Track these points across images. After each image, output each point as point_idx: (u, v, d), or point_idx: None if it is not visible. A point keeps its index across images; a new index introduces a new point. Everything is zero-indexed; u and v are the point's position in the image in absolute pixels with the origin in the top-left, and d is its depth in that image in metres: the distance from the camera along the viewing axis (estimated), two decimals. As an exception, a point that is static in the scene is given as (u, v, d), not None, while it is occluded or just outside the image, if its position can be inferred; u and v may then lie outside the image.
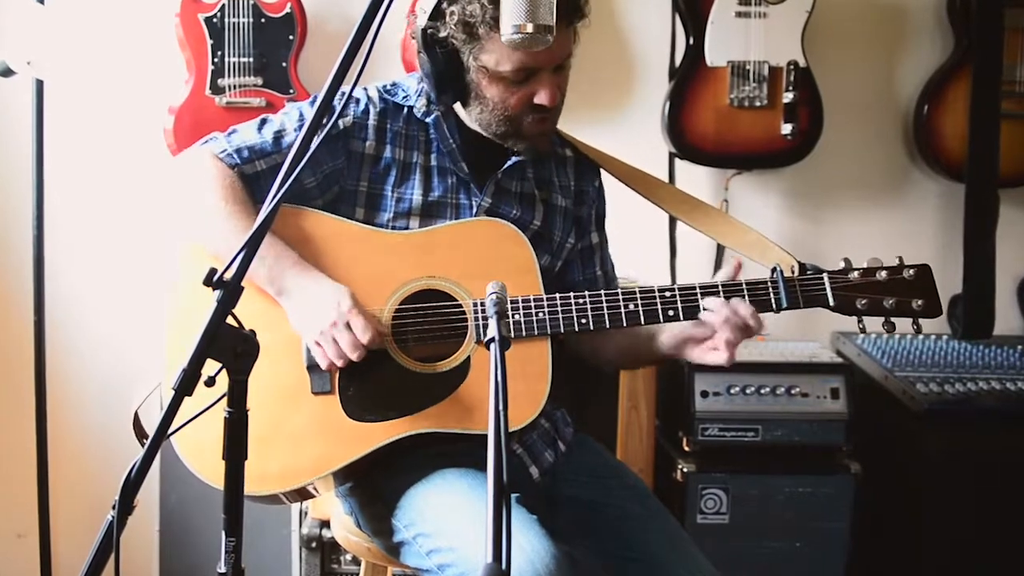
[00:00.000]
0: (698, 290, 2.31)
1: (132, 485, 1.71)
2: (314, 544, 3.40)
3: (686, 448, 3.54)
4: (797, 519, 3.53)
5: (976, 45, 3.79)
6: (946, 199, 4.06)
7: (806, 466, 3.55)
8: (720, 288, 2.30)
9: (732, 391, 3.52)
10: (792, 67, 3.74)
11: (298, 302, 2.25)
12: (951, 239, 3.96)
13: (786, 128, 3.75)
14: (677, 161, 3.97)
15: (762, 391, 3.53)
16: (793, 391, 3.53)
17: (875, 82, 4.08)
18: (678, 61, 3.95)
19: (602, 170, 2.65)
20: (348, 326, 2.21)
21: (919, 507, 3.54)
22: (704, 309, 2.29)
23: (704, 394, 3.51)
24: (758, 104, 3.76)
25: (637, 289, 2.33)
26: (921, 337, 3.91)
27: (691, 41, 3.83)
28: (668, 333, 2.38)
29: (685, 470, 3.52)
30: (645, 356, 2.51)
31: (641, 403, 3.51)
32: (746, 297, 2.30)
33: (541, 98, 2.31)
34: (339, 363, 2.23)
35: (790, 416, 3.52)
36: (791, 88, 3.74)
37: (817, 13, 3.76)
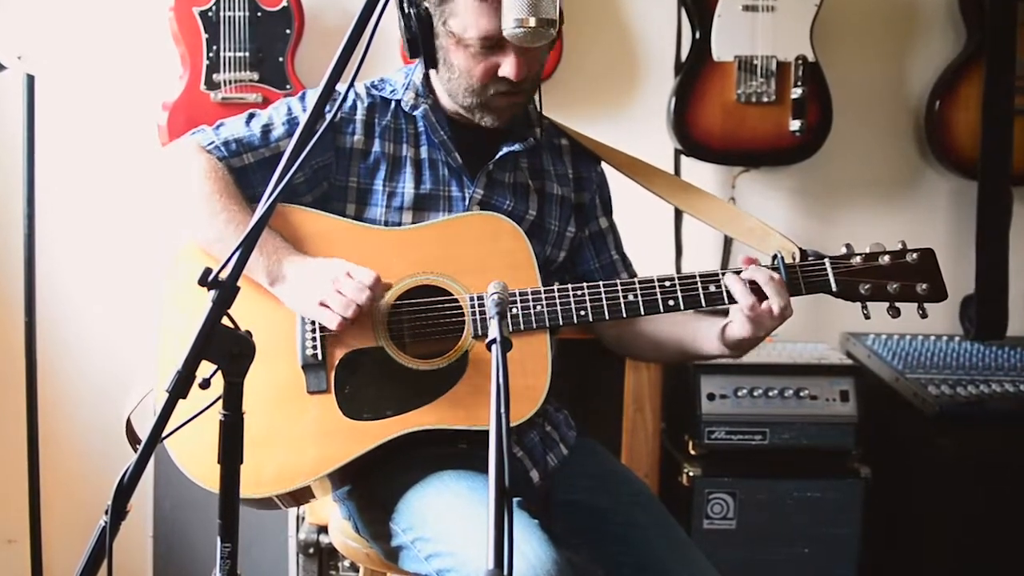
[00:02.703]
0: (698, 279, 2.28)
1: (125, 489, 1.70)
2: (311, 550, 3.39)
3: (692, 452, 3.51)
4: (806, 524, 3.50)
5: (989, 39, 3.76)
6: (958, 197, 4.04)
7: (815, 470, 3.52)
8: (720, 275, 2.28)
9: (739, 393, 3.49)
10: (800, 62, 3.72)
11: (293, 283, 2.24)
12: (963, 238, 3.93)
13: (794, 124, 3.73)
14: (683, 158, 3.95)
15: (770, 393, 3.49)
16: (801, 393, 3.50)
17: (885, 77, 4.07)
18: (684, 56, 3.93)
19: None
20: (349, 275, 2.18)
21: (930, 512, 3.51)
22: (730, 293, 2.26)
23: (710, 396, 3.48)
24: (766, 100, 3.74)
25: (636, 280, 2.30)
26: (932, 338, 3.89)
27: (697, 35, 3.81)
28: (710, 334, 2.35)
29: (691, 474, 3.49)
30: (704, 354, 2.45)
31: (646, 406, 3.47)
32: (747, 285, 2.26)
33: (505, 70, 2.27)
34: (349, 313, 2.16)
35: (798, 419, 3.49)
36: (799, 83, 3.72)
37: (826, 7, 3.73)
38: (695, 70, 3.78)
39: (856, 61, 3.99)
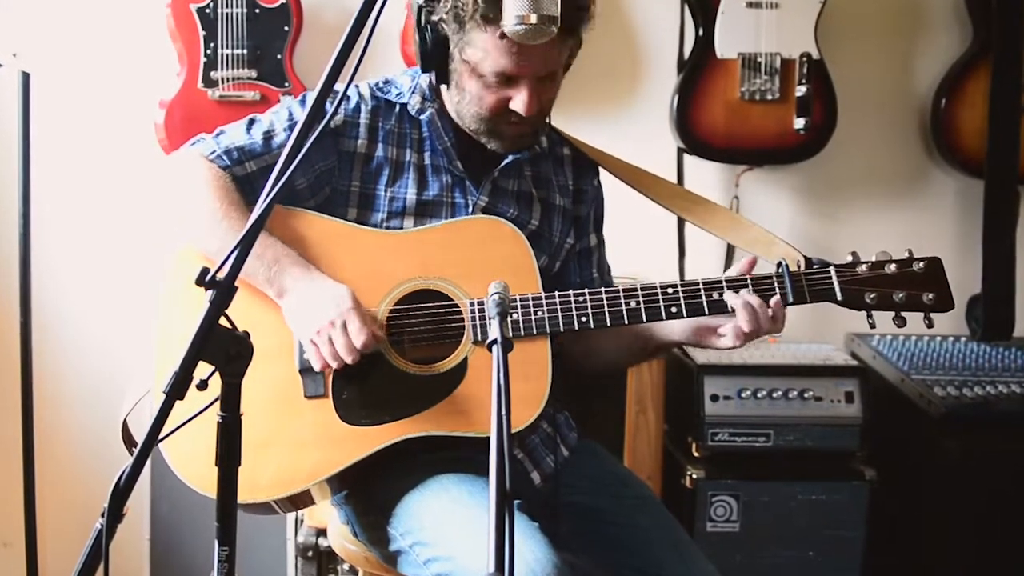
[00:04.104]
0: (701, 286, 2.27)
1: (122, 492, 1.69)
2: (310, 553, 3.37)
3: (695, 454, 3.49)
4: (810, 527, 3.48)
5: (996, 37, 3.74)
6: (964, 196, 4.01)
7: (819, 472, 3.49)
8: (724, 283, 2.27)
9: (743, 395, 3.47)
10: (805, 59, 3.69)
11: (296, 301, 2.22)
12: (969, 237, 3.92)
13: (799, 122, 3.70)
14: (686, 157, 3.93)
15: (774, 395, 3.47)
16: (806, 395, 3.47)
17: (891, 75, 4.04)
18: (687, 53, 3.91)
19: (601, 169, 2.62)
20: (346, 327, 2.17)
21: (936, 514, 3.48)
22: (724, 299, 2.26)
23: (714, 398, 3.46)
24: (770, 97, 3.71)
25: (639, 286, 2.28)
26: (938, 339, 3.87)
27: (700, 32, 3.79)
28: (681, 322, 2.33)
29: (694, 476, 3.47)
30: (652, 350, 2.48)
31: (649, 407, 3.46)
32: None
33: (516, 104, 2.27)
34: (333, 364, 2.19)
35: (803, 420, 3.47)
36: (804, 81, 3.69)
37: (831, 3, 3.71)
38: (698, 67, 3.76)
39: (861, 58, 3.96)
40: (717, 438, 3.45)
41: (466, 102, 2.31)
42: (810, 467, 3.48)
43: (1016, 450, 3.40)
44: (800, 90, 3.68)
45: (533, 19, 2.02)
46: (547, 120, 2.47)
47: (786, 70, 3.69)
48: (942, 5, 3.98)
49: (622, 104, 3.96)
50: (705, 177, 3.87)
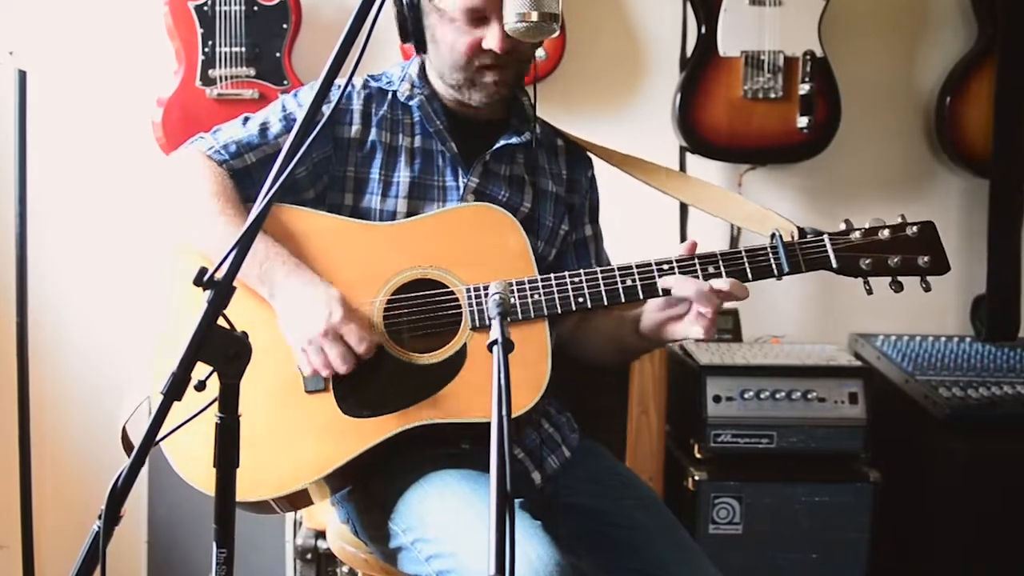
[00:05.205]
0: (696, 262, 2.25)
1: (119, 494, 1.67)
2: (309, 555, 3.35)
3: (698, 455, 3.47)
4: (814, 529, 3.46)
5: (1001, 34, 3.73)
6: (969, 195, 4.01)
7: (823, 474, 3.47)
8: (720, 258, 2.25)
9: (746, 395, 3.44)
10: (808, 57, 3.68)
11: (288, 304, 2.23)
12: (975, 237, 3.91)
13: (802, 121, 3.69)
14: (688, 156, 3.92)
15: (777, 395, 3.44)
16: (809, 396, 3.45)
17: (895, 73, 4.03)
18: (689, 51, 3.90)
19: (594, 160, 2.63)
20: (340, 337, 2.18)
21: (941, 516, 3.47)
22: (664, 289, 2.23)
23: (716, 399, 3.44)
24: (773, 96, 3.70)
25: (634, 264, 2.27)
26: (943, 339, 3.85)
27: (703, 30, 3.79)
28: (648, 317, 2.32)
29: (697, 478, 3.45)
30: (631, 346, 2.44)
31: (651, 408, 3.42)
32: (746, 265, 2.24)
33: (489, 42, 2.27)
34: (324, 373, 2.21)
35: (806, 422, 3.44)
36: (807, 79, 3.68)
37: (835, 1, 3.70)
38: (701, 66, 3.75)
39: (865, 56, 3.95)
40: (720, 439, 3.43)
41: (443, 54, 2.33)
42: (813, 469, 3.46)
43: (1020, 451, 3.39)
44: (803, 88, 3.67)
45: (534, 17, 2.02)
46: (535, 95, 2.48)
47: (789, 68, 3.69)
48: (947, 2, 3.97)
49: (624, 102, 3.96)
50: (708, 176, 3.81)
